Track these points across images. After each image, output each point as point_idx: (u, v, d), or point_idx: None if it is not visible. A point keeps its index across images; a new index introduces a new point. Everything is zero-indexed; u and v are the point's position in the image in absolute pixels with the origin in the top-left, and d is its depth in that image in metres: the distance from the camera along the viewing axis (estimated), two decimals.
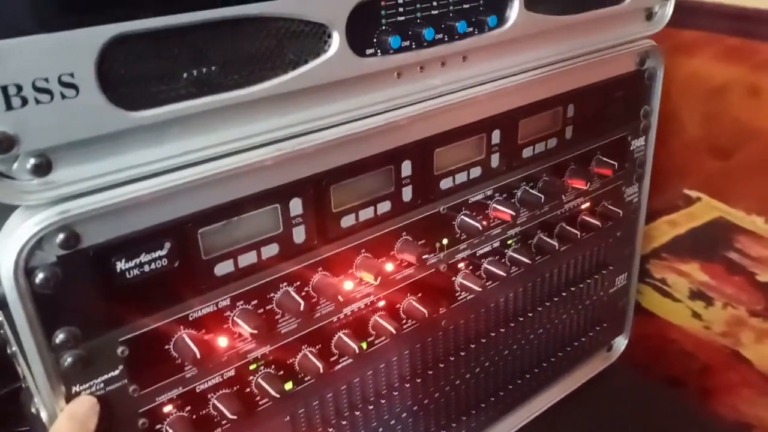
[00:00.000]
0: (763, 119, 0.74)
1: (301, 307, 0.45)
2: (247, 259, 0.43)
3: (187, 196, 0.39)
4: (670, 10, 0.64)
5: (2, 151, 0.32)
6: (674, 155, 0.84)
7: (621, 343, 0.81)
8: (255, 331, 0.42)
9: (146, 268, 0.39)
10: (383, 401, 0.55)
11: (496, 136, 0.55)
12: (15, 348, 0.46)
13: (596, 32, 0.59)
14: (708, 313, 0.87)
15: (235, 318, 0.43)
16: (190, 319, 0.42)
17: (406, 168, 0.50)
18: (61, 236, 0.35)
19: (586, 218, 0.66)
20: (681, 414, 0.77)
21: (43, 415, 0.40)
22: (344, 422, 0.53)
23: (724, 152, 0.80)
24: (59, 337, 0.37)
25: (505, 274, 0.59)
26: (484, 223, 0.57)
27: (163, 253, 0.39)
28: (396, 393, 0.56)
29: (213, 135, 0.39)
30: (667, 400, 0.80)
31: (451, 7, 0.47)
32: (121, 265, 0.38)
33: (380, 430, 0.56)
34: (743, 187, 0.79)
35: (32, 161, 0.33)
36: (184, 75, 0.37)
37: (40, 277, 0.35)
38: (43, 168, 0.34)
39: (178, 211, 0.39)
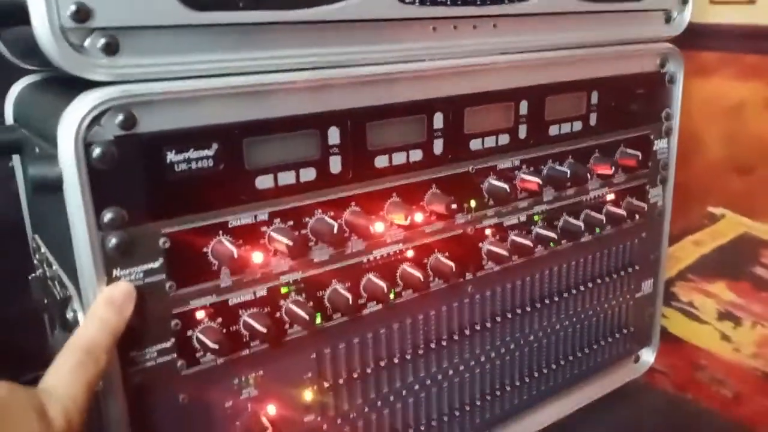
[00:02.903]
0: None
1: (335, 229, 0.46)
2: (286, 178, 0.45)
3: (239, 104, 0.42)
4: (687, 15, 0.68)
5: (79, 21, 0.36)
6: (697, 174, 0.86)
7: (648, 356, 0.79)
8: (291, 243, 0.44)
9: (193, 165, 0.41)
10: (406, 360, 0.55)
11: (523, 107, 0.58)
12: (54, 265, 0.48)
13: (618, 24, 0.63)
14: (737, 334, 0.85)
15: (271, 233, 0.45)
16: (230, 226, 0.43)
17: (438, 120, 0.53)
18: (120, 117, 0.38)
19: (612, 209, 0.68)
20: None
21: (80, 316, 0.42)
22: (369, 371, 0.53)
23: (745, 168, 0.81)
24: (107, 216, 0.39)
25: (531, 244, 0.60)
26: (512, 193, 0.58)
27: (210, 153, 0.42)
28: (419, 355, 0.56)
29: (267, 51, 0.43)
30: (702, 420, 0.78)
31: None
32: (171, 157, 0.40)
33: (400, 390, 0.56)
34: (767, 200, 0.80)
35: (102, 40, 0.37)
36: None
37: (97, 151, 0.38)
38: (111, 48, 0.37)
39: (228, 116, 0.42)
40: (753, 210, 0.81)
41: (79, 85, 0.38)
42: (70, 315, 0.44)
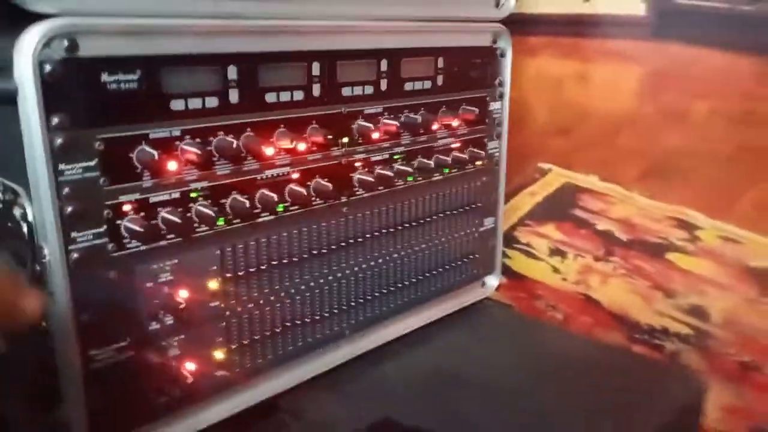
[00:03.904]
0: (590, 99, 0.98)
1: (234, 145, 0.59)
2: (195, 103, 0.58)
3: (158, 40, 0.54)
4: (513, 1, 0.87)
5: None
6: (530, 137, 1.06)
7: (493, 281, 0.97)
8: (199, 152, 0.56)
9: (122, 85, 0.53)
10: (293, 263, 0.69)
11: (384, 65, 0.74)
12: None
13: (457, 5, 0.81)
14: (564, 266, 1.06)
15: (183, 146, 0.57)
16: (150, 137, 0.55)
17: (316, 68, 0.67)
18: (65, 42, 0.49)
19: (457, 154, 0.85)
20: (555, 333, 0.93)
21: (28, 210, 0.52)
22: (262, 269, 0.66)
23: (565, 130, 1.02)
24: (55, 119, 0.49)
25: (392, 175, 0.75)
26: (376, 134, 0.74)
27: (135, 77, 0.53)
28: (304, 260, 0.70)
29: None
30: (541, 327, 0.96)
31: None
32: (104, 77, 0.52)
33: (289, 288, 0.69)
34: (582, 154, 1.01)
35: None
36: None
37: (48, 68, 0.48)
38: None
39: (150, 49, 0.54)
40: (571, 163, 1.02)
41: (18, 23, 0.48)
42: (17, 212, 0.54)
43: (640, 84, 0.92)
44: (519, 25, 0.96)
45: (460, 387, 0.75)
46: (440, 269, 0.87)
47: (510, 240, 1.10)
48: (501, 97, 0.90)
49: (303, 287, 0.70)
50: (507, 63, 0.90)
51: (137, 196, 0.55)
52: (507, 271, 1.11)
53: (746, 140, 0.83)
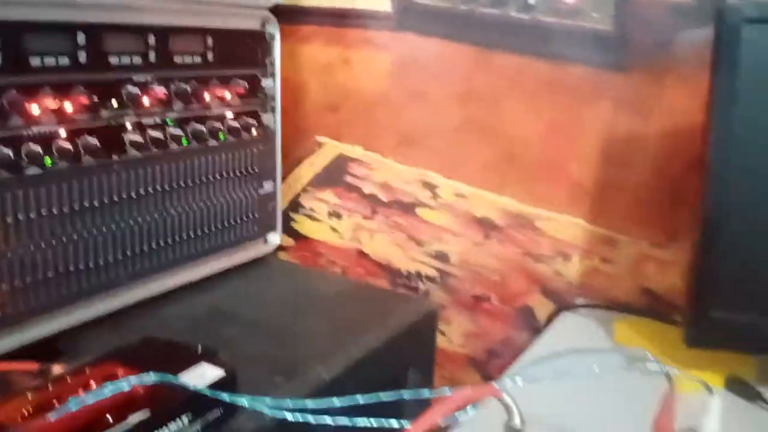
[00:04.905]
0: (352, 80, 1.14)
1: None
2: None
3: None
4: None
5: None
6: (307, 114, 1.20)
7: (275, 238, 1.10)
8: None
9: None
10: (63, 214, 0.76)
11: (152, 39, 0.83)
12: None
13: None
14: (340, 226, 1.21)
15: None
16: None
17: (81, 38, 0.75)
18: None
19: (231, 123, 0.96)
20: (324, 279, 1.07)
21: None
22: (31, 217, 0.73)
23: (334, 107, 1.17)
24: None
25: (163, 137, 0.85)
26: (146, 99, 0.83)
27: None
28: (75, 212, 0.77)
29: None
30: (313, 274, 1.10)
31: None
32: None
33: (61, 236, 0.76)
34: (348, 129, 1.16)
35: None
36: None
37: None
38: None
39: None
40: (341, 136, 1.18)
41: None
42: None
43: (389, 68, 1.09)
44: (291, 15, 1.10)
45: (231, 321, 0.87)
46: (220, 226, 0.98)
47: (296, 206, 1.24)
48: (273, 75, 1.03)
49: (76, 237, 0.78)
50: (276, 46, 1.02)
51: None
52: (295, 233, 1.25)
53: (467, 114, 1.03)
